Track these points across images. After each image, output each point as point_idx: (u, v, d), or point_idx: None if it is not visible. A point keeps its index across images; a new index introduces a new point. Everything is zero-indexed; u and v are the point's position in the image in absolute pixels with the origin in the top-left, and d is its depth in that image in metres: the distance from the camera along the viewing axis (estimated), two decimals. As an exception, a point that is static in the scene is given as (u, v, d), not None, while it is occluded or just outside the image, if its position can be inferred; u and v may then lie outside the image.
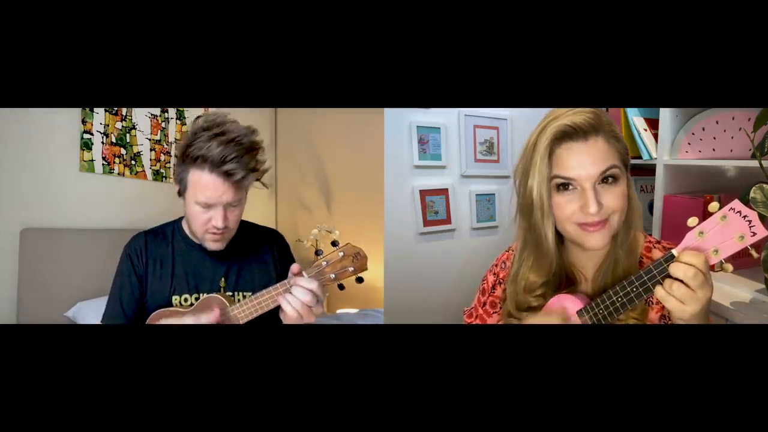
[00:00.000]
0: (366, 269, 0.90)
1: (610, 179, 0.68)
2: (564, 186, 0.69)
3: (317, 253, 0.90)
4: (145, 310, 1.00)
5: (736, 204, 0.60)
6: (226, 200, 0.91)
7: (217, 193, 0.90)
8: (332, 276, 0.88)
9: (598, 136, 0.67)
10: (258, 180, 0.97)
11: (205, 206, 0.91)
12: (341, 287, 0.91)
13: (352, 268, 0.89)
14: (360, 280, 0.91)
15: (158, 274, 1.00)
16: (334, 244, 0.91)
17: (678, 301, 0.60)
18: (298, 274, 0.88)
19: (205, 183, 0.89)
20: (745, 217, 0.59)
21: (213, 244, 0.97)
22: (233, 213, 0.95)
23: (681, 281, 0.60)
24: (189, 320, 0.87)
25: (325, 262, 0.88)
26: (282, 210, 2.90)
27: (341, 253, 0.89)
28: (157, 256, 1.02)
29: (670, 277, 0.61)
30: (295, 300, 0.85)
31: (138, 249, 1.01)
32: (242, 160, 0.88)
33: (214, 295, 0.92)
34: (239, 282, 1.03)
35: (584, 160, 0.67)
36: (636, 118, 1.41)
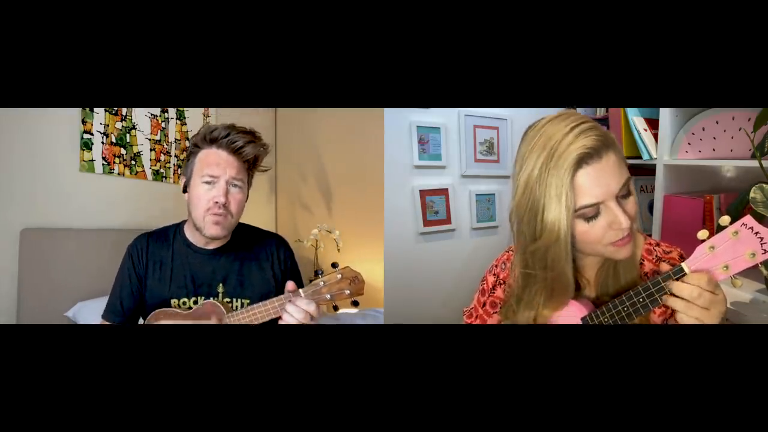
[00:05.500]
0: (362, 293, 0.94)
1: (628, 194, 0.66)
2: (591, 216, 0.65)
3: (316, 273, 0.94)
4: (146, 308, 1.01)
5: (749, 220, 0.59)
6: (229, 174, 0.97)
7: (222, 165, 0.97)
8: (328, 296, 0.91)
9: (609, 151, 0.64)
10: (258, 165, 1.04)
11: (210, 181, 0.96)
12: (336, 308, 0.95)
13: (348, 291, 0.92)
14: (356, 303, 0.95)
15: (157, 276, 1.02)
16: (334, 265, 0.95)
17: (692, 318, 0.61)
18: (294, 291, 0.91)
19: (211, 157, 0.97)
20: (757, 233, 0.58)
21: (213, 227, 0.97)
22: (235, 197, 0.99)
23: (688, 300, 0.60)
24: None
25: (322, 283, 0.92)
26: (282, 210, 2.90)
27: (339, 276, 0.92)
28: (157, 259, 1.03)
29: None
30: (291, 319, 0.88)
31: (139, 249, 1.04)
32: (244, 134, 0.99)
33: (212, 301, 0.93)
34: (237, 289, 1.03)
35: (603, 179, 0.63)
36: (636, 118, 1.41)
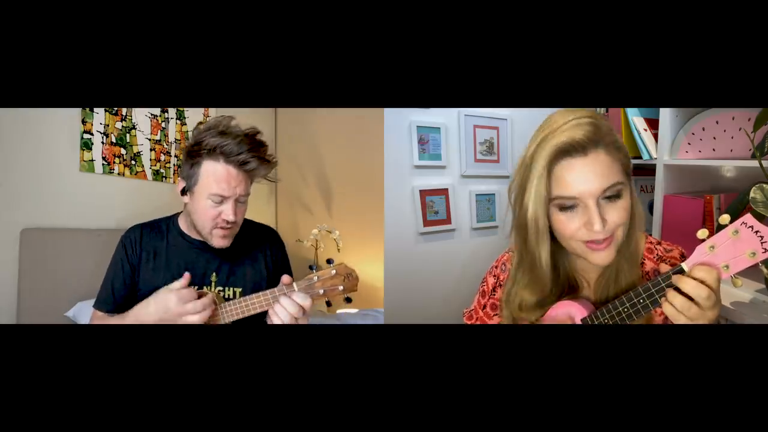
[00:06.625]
0: (356, 290, 0.94)
1: (614, 197, 0.65)
2: (567, 207, 0.65)
3: (311, 267, 0.94)
4: (137, 298, 1.01)
5: (749, 219, 0.59)
6: (239, 192, 0.96)
7: (232, 184, 0.94)
8: (321, 291, 0.92)
9: (598, 148, 0.63)
10: (266, 177, 1.02)
11: (218, 199, 0.95)
12: (329, 304, 0.96)
13: (342, 287, 0.92)
14: (348, 300, 0.96)
15: (151, 265, 1.03)
16: (329, 261, 0.96)
17: (688, 319, 0.60)
18: (289, 284, 0.91)
19: (220, 174, 0.94)
20: (757, 232, 0.58)
21: (221, 241, 0.98)
22: (240, 209, 0.99)
23: (691, 299, 0.59)
24: (173, 299, 0.88)
25: (316, 277, 0.92)
26: (282, 210, 2.90)
27: (333, 271, 0.92)
28: (151, 249, 1.04)
29: (677, 289, 0.61)
30: (284, 312, 0.88)
31: (133, 239, 1.04)
32: (255, 152, 0.95)
33: (204, 291, 0.94)
34: (230, 278, 1.04)
35: (586, 176, 0.63)
36: (636, 118, 1.41)
